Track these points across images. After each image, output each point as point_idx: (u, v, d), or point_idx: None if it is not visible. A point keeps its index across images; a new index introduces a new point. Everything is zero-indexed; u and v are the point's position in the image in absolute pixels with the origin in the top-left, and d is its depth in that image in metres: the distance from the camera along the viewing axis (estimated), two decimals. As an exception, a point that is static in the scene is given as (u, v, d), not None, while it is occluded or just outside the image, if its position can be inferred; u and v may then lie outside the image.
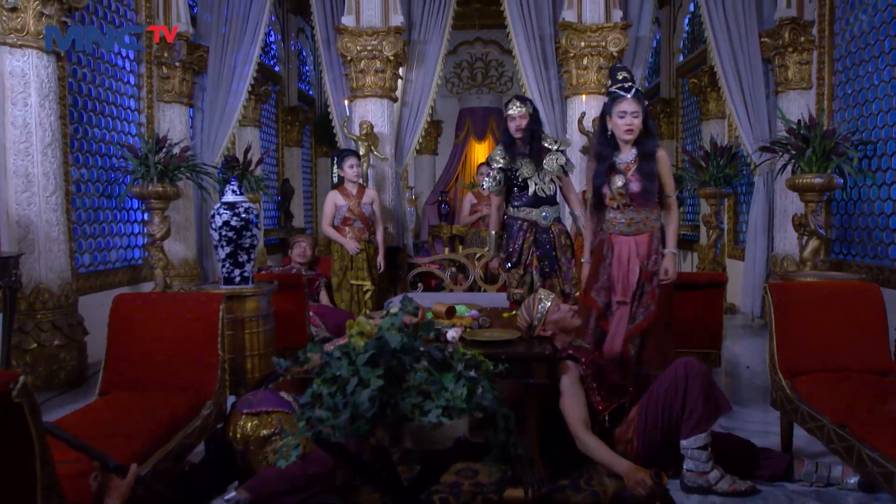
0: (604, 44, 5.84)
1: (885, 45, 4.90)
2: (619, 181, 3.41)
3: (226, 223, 3.28)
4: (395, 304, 3.08)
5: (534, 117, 4.15)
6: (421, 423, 1.79)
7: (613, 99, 3.43)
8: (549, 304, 3.03)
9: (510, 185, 4.21)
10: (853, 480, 2.69)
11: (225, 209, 3.30)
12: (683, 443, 2.67)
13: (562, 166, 4.18)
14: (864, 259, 5.16)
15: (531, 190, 4.13)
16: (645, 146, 3.43)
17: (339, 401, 1.77)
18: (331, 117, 6.61)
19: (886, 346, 2.98)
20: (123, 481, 1.93)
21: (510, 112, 4.11)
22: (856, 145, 4.95)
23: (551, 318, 3.02)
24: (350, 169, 5.23)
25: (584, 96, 5.86)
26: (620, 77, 3.47)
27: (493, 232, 4.32)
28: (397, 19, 5.98)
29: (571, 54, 5.89)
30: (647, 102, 3.75)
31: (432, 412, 1.76)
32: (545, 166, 4.14)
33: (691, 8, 8.68)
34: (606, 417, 2.85)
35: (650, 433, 2.75)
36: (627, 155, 3.46)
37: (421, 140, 6.54)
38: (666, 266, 3.44)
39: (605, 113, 3.49)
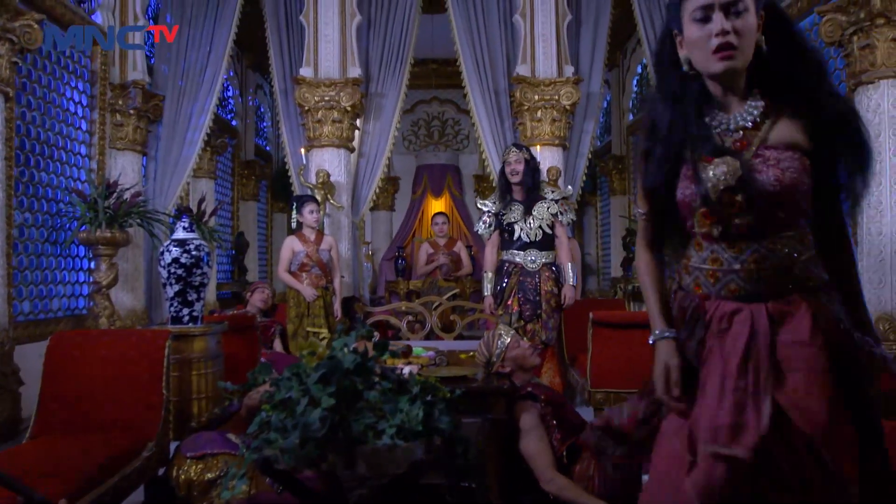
0: (557, 97, 6.02)
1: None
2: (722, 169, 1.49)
3: (175, 260, 3.19)
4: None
5: (529, 164, 4.36)
6: (375, 445, 1.71)
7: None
8: (509, 339, 2.98)
9: (501, 230, 4.42)
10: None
11: (175, 246, 3.21)
12: (645, 477, 2.61)
13: (552, 215, 4.34)
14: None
15: (516, 234, 4.33)
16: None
17: (288, 422, 1.68)
18: (287, 170, 6.60)
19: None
20: (50, 518, 1.78)
21: (507, 158, 4.37)
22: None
23: (510, 354, 2.96)
24: (310, 214, 5.20)
25: (538, 147, 5.98)
26: None
27: (488, 273, 4.49)
28: (355, 71, 6.07)
29: (526, 107, 6.05)
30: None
31: (386, 433, 1.68)
32: (534, 212, 4.31)
33: (639, 70, 9.07)
34: (564, 454, 2.79)
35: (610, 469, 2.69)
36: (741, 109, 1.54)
37: (377, 195, 6.58)
38: None
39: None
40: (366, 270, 8.59)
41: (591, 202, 10.84)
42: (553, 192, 4.45)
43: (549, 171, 5.97)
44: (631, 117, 9.47)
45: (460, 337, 5.11)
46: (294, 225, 5.38)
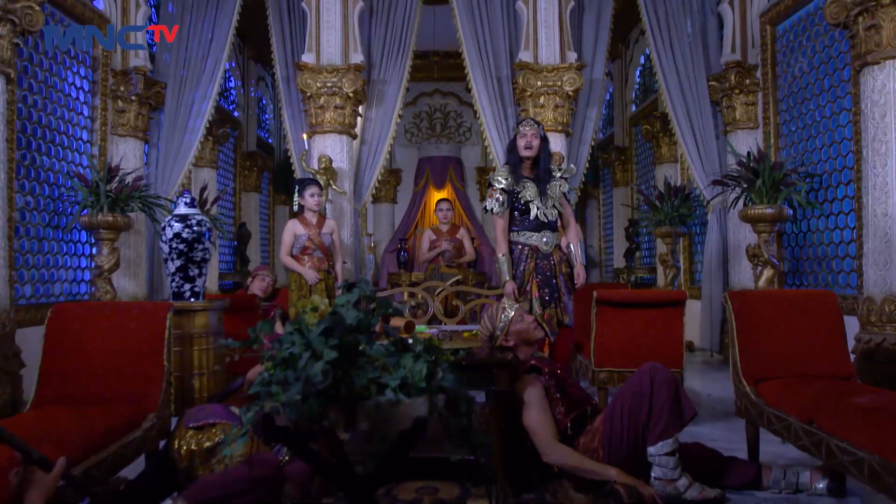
0: (559, 83, 5.99)
1: (825, 83, 5.13)
2: None
3: (177, 235, 3.17)
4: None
5: (544, 140, 4.07)
6: (378, 401, 1.69)
7: None
8: (513, 313, 2.96)
9: (511, 209, 4.05)
10: (822, 485, 2.65)
11: (176, 221, 3.19)
12: (651, 449, 2.59)
13: (564, 193, 4.11)
14: (816, 288, 5.24)
15: (533, 214, 3.99)
16: None
17: (290, 375, 1.65)
18: (290, 160, 6.58)
19: (845, 352, 2.99)
20: (48, 476, 1.76)
21: (523, 129, 4.01)
22: (803, 176, 5.12)
23: (514, 328, 2.94)
24: (311, 198, 5.17)
25: (541, 133, 5.94)
26: None
27: (502, 255, 4.01)
28: (357, 57, 6.05)
29: (528, 93, 6.02)
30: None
31: (390, 386, 1.66)
32: (548, 191, 4.02)
33: (642, 60, 9.03)
34: (569, 425, 2.77)
35: (616, 441, 2.66)
36: None
37: (379, 188, 6.55)
38: None
39: None
40: (368, 262, 8.57)
41: (593, 195, 10.82)
42: (559, 169, 4.22)
43: (552, 157, 5.94)
44: (634, 108, 9.43)
45: (463, 323, 5.09)
46: (296, 208, 5.35)
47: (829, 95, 5.09)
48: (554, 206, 4.04)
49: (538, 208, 3.98)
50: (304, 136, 6.22)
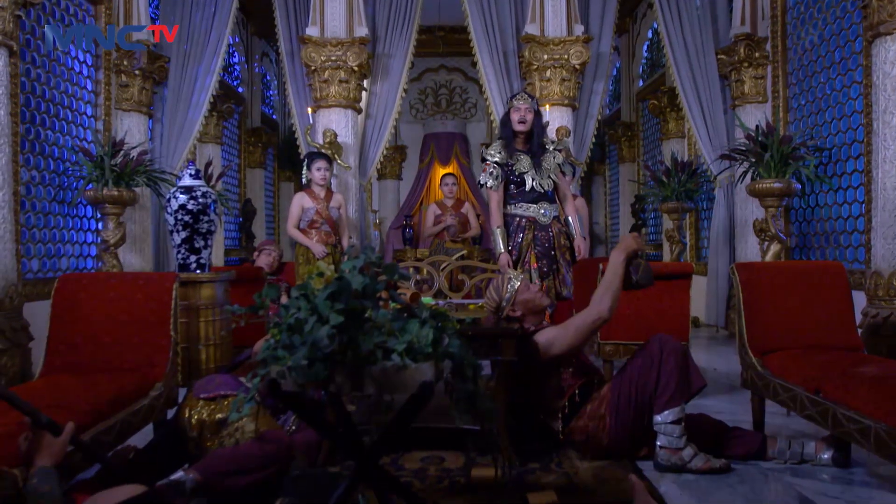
0: (566, 56, 5.93)
1: (836, 56, 5.06)
2: None
3: (182, 206, 3.16)
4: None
5: (538, 115, 4.09)
6: (384, 366, 1.69)
7: None
8: (519, 283, 2.95)
9: (507, 182, 4.08)
10: (826, 456, 2.65)
11: (181, 192, 3.19)
12: (657, 418, 2.59)
13: (559, 164, 4.12)
14: (823, 263, 5.22)
15: (528, 185, 4.03)
16: None
17: (296, 339, 1.65)
18: (295, 136, 6.55)
19: (853, 323, 2.98)
20: (57, 440, 1.77)
21: (517, 103, 4.03)
22: (812, 150, 5.07)
23: (521, 297, 2.93)
24: (318, 172, 5.16)
25: (547, 107, 5.90)
26: None
27: (498, 227, 4.09)
28: (361, 30, 5.99)
29: (535, 66, 5.96)
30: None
31: (396, 351, 1.66)
32: (543, 163, 4.05)
33: (649, 35, 8.93)
34: (576, 392, 2.77)
35: (623, 410, 2.67)
36: None
37: (384, 164, 6.52)
38: None
39: None
40: (373, 238, 8.58)
41: (599, 171, 10.76)
42: (553, 142, 4.24)
43: (558, 131, 5.90)
44: (641, 83, 9.34)
45: (468, 297, 5.09)
46: (304, 182, 5.34)
47: (839, 68, 5.02)
48: (549, 177, 4.08)
49: (533, 179, 4.02)
50: (309, 110, 6.19)
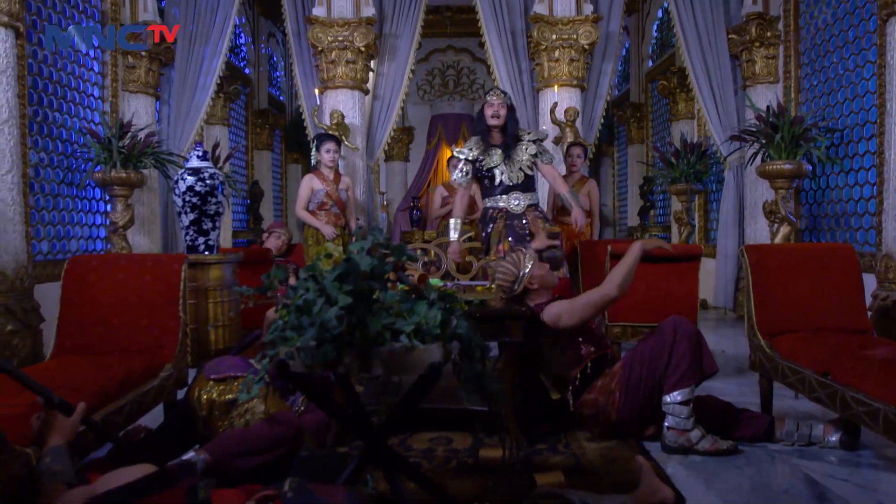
0: (575, 36, 5.86)
1: (849, 35, 4.98)
2: None
3: (190, 188, 3.17)
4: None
5: (511, 109, 4.23)
6: (392, 347, 1.69)
7: None
8: (533, 261, 2.98)
9: (480, 177, 4.25)
10: (834, 438, 2.64)
11: (189, 174, 3.19)
12: (666, 398, 2.60)
13: (532, 155, 4.21)
14: (834, 245, 5.19)
15: (497, 179, 4.19)
16: None
17: (304, 320, 1.66)
18: (302, 117, 6.52)
19: (863, 306, 2.96)
20: (69, 420, 1.79)
21: (490, 99, 4.16)
22: (823, 131, 5.01)
23: (537, 272, 2.95)
24: (326, 153, 5.14)
25: (556, 87, 5.86)
26: None
27: (454, 219, 4.31)
28: (368, 10, 5.94)
29: (543, 46, 5.91)
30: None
31: (404, 332, 1.66)
32: (514, 156, 4.17)
33: (659, 14, 8.82)
34: (588, 364, 2.79)
35: (633, 387, 2.67)
36: None
37: (391, 144, 6.49)
38: None
39: None
40: (381, 220, 8.57)
41: (607, 152, 10.69)
42: (529, 133, 4.29)
43: (566, 111, 5.86)
44: (650, 63, 9.24)
45: (476, 278, 5.09)
46: (314, 163, 5.31)
47: (853, 47, 4.95)
48: (521, 168, 4.20)
49: (503, 173, 4.17)
50: (316, 91, 6.16)
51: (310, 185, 5.14)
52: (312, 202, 5.12)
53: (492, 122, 4.12)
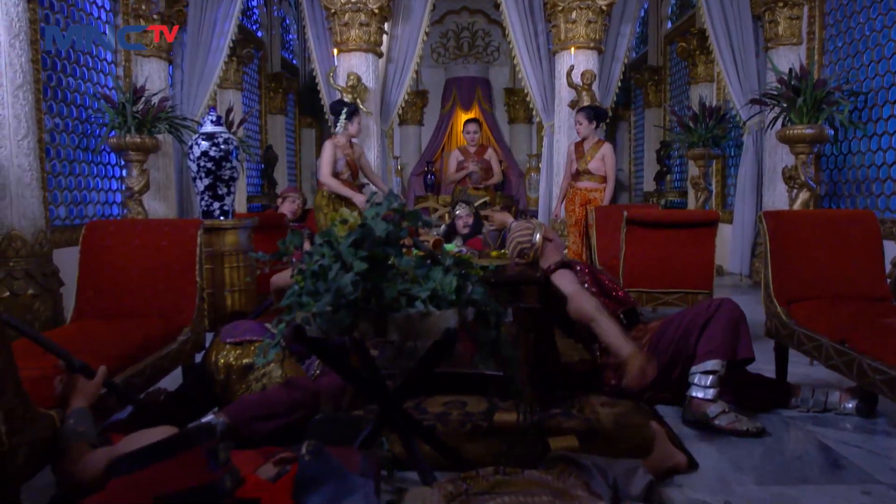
0: (593, -4, 5.74)
1: (877, -6, 4.84)
2: None
3: (204, 153, 3.16)
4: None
5: (477, 217, 4.86)
6: (407, 313, 1.70)
7: None
8: (542, 226, 3.00)
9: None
10: (850, 405, 2.64)
11: (203, 139, 3.18)
12: (693, 368, 2.55)
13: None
14: (854, 211, 5.11)
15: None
16: None
17: (320, 286, 1.66)
18: (315, 80, 6.47)
19: (882, 273, 2.92)
20: (91, 382, 1.82)
21: (458, 212, 4.80)
22: (847, 95, 4.90)
23: (549, 235, 2.99)
24: (356, 126, 5.11)
25: (572, 50, 5.75)
26: None
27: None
28: (382, -30, 5.84)
29: (560, 7, 5.79)
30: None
31: (419, 299, 1.66)
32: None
33: (680, -27, 8.59)
34: (622, 315, 2.81)
35: (663, 347, 2.65)
36: None
37: (405, 107, 6.43)
38: None
39: None
40: (395, 185, 8.55)
41: (624, 116, 10.53)
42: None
43: (583, 74, 5.76)
44: (669, 25, 9.04)
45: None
46: (339, 130, 5.20)
47: (880, 7, 4.80)
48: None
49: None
50: (335, 51, 6.07)
51: (333, 153, 5.08)
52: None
53: (463, 231, 4.74)
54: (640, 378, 2.36)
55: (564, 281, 2.75)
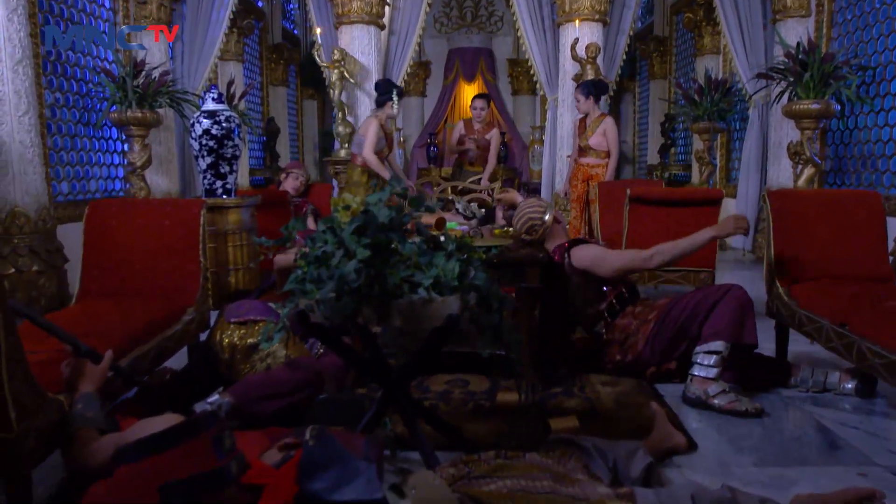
0: (598, -33, 5.64)
1: (889, -35, 4.74)
2: None
3: (206, 132, 3.15)
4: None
5: None
6: (410, 299, 1.71)
7: None
8: (550, 205, 3.02)
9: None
10: (850, 386, 2.65)
11: (205, 117, 3.16)
12: (697, 348, 2.57)
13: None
14: (858, 188, 5.08)
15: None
16: None
17: (324, 273, 1.67)
18: (318, 49, 6.40)
19: (885, 254, 2.92)
20: (98, 367, 1.84)
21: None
22: (855, 69, 4.83)
23: (558, 216, 3.01)
24: (391, 108, 5.09)
25: (577, 22, 5.67)
26: None
27: None
28: (383, -61, 5.74)
29: (565, -22, 5.69)
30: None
31: (422, 285, 1.67)
32: None
33: (687, -59, 8.42)
34: (625, 290, 2.82)
35: (667, 326, 2.67)
36: None
37: (407, 79, 6.36)
38: None
39: None
40: (398, 157, 8.50)
41: (628, 88, 10.43)
42: None
43: (588, 47, 5.69)
44: (676, -6, 8.90)
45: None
46: (395, 110, 5.15)
47: (891, -22, 4.71)
48: None
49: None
50: (318, 30, 6.06)
51: (378, 131, 5.06)
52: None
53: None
54: (739, 222, 2.60)
55: (589, 251, 2.78)
